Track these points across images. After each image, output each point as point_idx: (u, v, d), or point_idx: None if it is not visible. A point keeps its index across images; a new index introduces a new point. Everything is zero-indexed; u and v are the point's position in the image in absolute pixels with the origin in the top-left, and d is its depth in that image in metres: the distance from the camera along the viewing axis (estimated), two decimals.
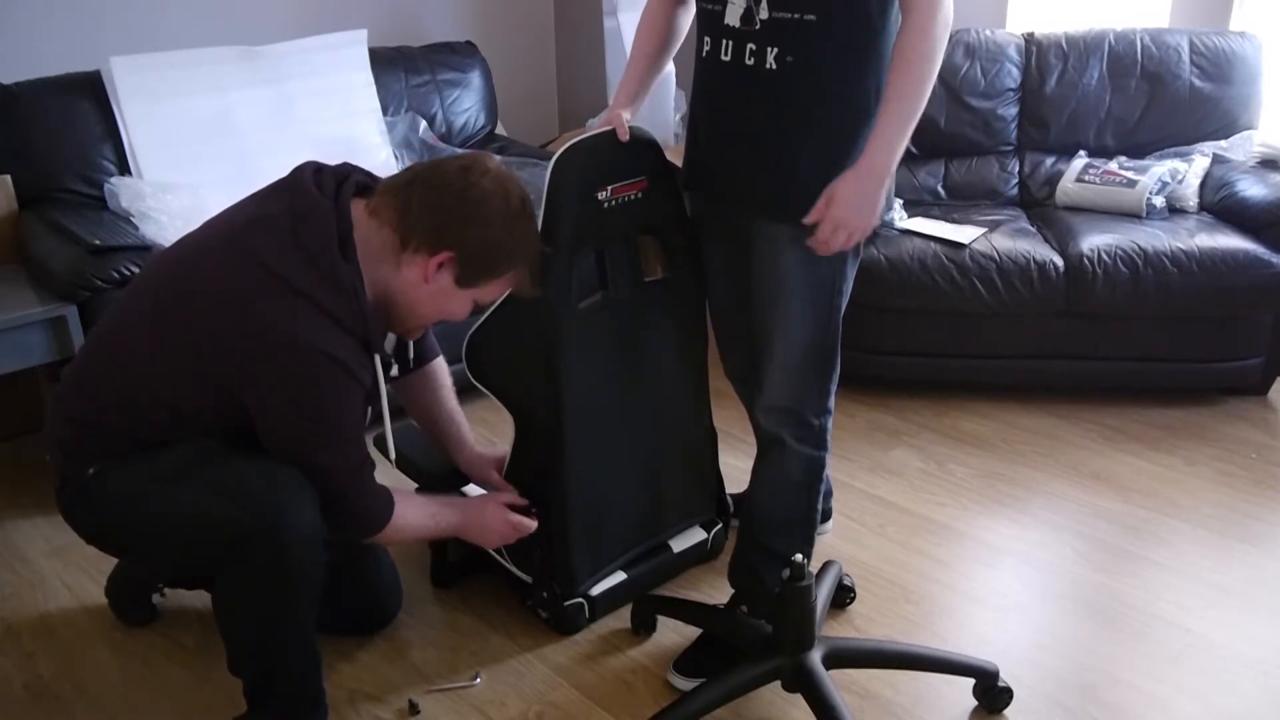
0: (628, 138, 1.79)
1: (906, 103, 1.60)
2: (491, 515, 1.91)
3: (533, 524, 1.92)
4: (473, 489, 2.08)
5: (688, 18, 1.90)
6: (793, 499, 1.93)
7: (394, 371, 1.86)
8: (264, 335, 1.51)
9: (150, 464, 1.61)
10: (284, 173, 1.64)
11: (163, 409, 1.59)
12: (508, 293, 1.75)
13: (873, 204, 1.63)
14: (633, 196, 1.87)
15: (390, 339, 1.81)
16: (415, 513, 1.81)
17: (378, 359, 1.64)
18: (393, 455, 1.92)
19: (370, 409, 1.68)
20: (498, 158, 1.70)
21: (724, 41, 1.70)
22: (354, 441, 1.63)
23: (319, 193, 1.58)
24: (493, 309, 1.86)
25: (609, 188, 1.83)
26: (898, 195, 3.07)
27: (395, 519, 1.72)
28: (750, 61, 1.66)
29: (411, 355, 1.95)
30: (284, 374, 1.53)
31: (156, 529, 1.62)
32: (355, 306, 1.55)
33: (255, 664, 1.70)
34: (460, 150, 3.33)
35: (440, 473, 2.09)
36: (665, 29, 1.88)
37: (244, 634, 1.68)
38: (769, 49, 1.64)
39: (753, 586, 1.97)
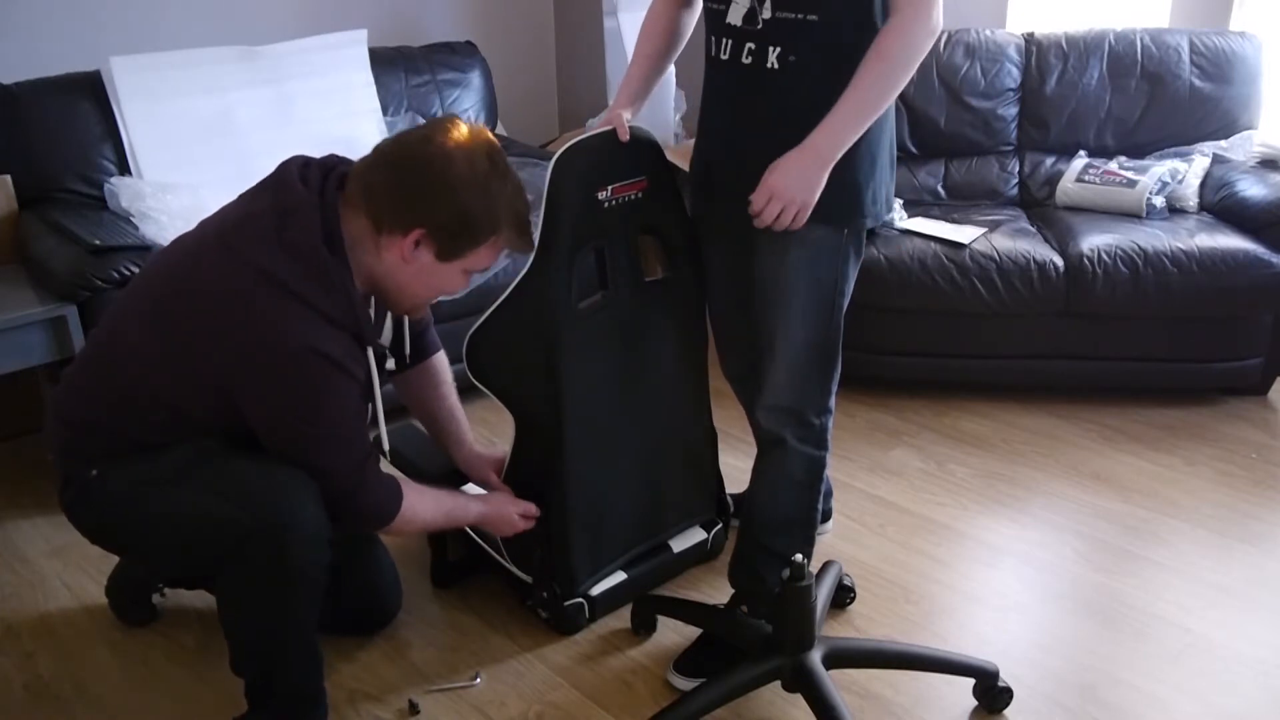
0: (628, 138, 1.79)
1: (863, 95, 1.61)
2: (502, 508, 1.92)
3: (530, 522, 1.93)
4: (471, 488, 2.08)
5: (692, 19, 1.90)
6: (793, 499, 1.93)
7: (390, 365, 1.84)
8: (261, 337, 1.50)
9: (151, 464, 1.61)
10: None
11: (163, 409, 1.59)
12: (502, 256, 1.70)
13: (808, 182, 1.63)
14: (633, 196, 1.87)
15: (387, 333, 1.80)
16: (425, 503, 1.80)
17: (370, 351, 1.64)
18: (386, 449, 1.91)
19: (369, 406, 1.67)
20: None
21: (725, 41, 1.70)
22: (354, 440, 1.62)
23: (304, 188, 1.57)
24: (493, 309, 1.86)
25: (609, 187, 1.83)
26: (898, 195, 3.07)
27: (404, 510, 1.71)
28: (748, 61, 1.67)
29: (409, 350, 1.93)
30: (279, 378, 1.52)
31: (157, 529, 1.62)
32: (345, 301, 1.55)
33: (255, 664, 1.70)
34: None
35: (439, 473, 2.09)
36: (669, 30, 1.88)
37: (245, 633, 1.68)
38: (770, 49, 1.64)
39: (753, 586, 1.97)
